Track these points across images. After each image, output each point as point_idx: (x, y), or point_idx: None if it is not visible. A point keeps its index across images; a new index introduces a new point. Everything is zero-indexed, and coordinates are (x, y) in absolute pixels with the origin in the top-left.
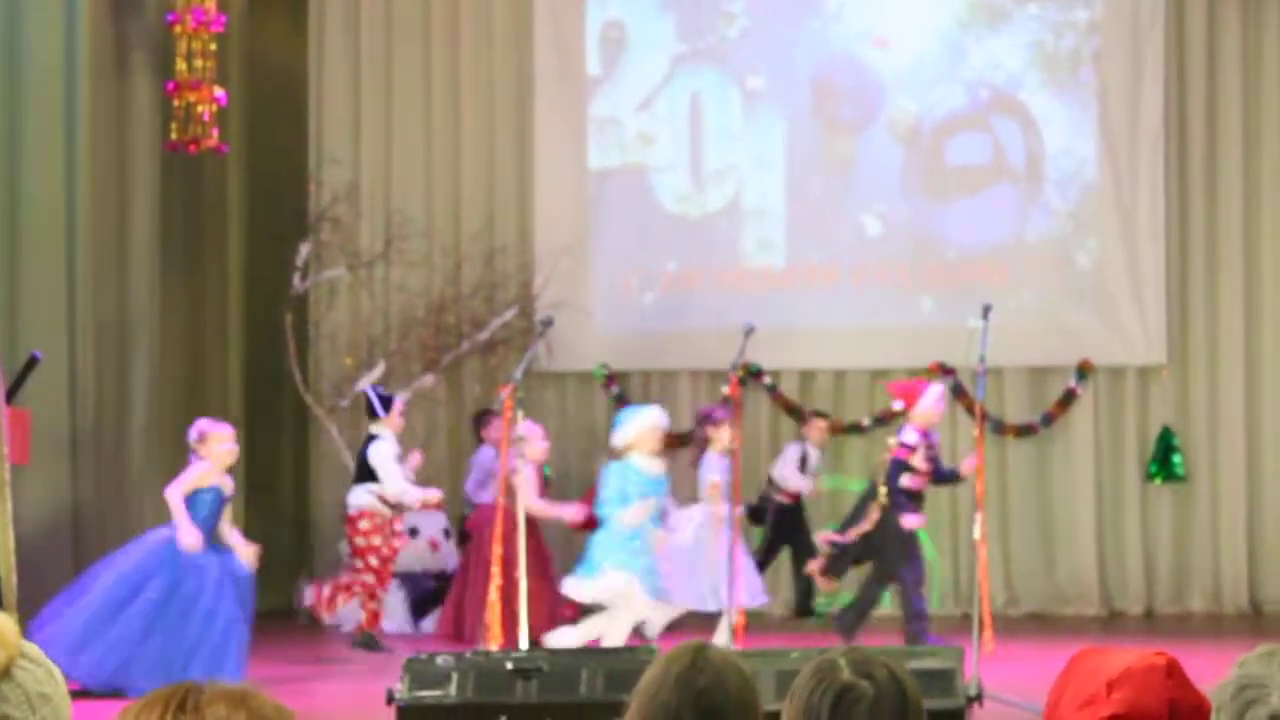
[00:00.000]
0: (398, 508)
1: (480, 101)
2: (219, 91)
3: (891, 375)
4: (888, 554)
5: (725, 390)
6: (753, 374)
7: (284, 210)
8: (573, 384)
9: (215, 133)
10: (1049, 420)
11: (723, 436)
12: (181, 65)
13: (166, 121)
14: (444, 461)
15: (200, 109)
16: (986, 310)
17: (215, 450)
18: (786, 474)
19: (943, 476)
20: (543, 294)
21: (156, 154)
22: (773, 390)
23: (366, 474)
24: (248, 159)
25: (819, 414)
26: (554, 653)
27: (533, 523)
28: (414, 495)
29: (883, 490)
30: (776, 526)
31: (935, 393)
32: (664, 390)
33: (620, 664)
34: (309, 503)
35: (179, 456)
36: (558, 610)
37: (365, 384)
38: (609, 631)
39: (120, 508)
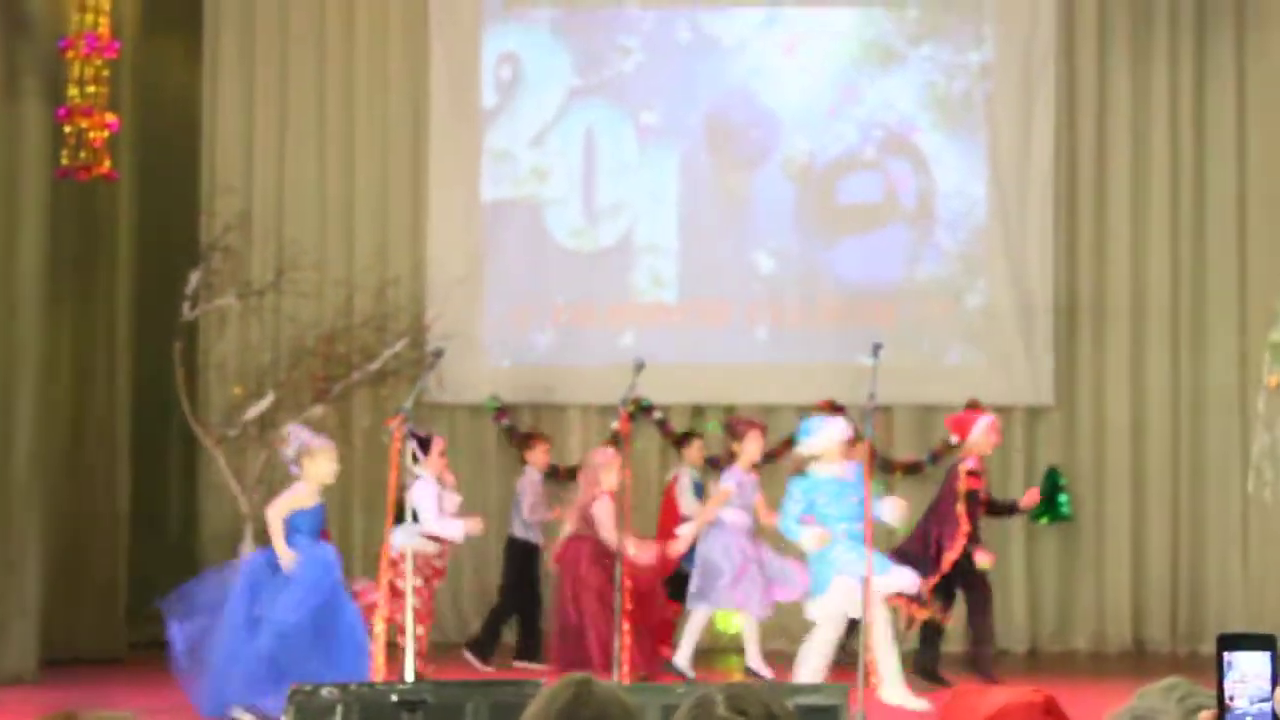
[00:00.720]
0: (438, 542)
1: (374, 132)
2: (111, 118)
3: (780, 411)
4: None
5: (615, 425)
6: (643, 409)
7: (175, 238)
8: (463, 416)
9: (107, 160)
10: (936, 458)
11: (748, 449)
12: (73, 91)
13: (57, 148)
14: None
15: (92, 135)
16: (877, 348)
17: (317, 470)
18: (684, 502)
19: (999, 509)
20: (434, 325)
21: (46, 180)
22: (663, 425)
23: (408, 515)
24: (139, 186)
25: (695, 434)
26: (439, 685)
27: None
28: (455, 528)
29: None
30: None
31: (985, 423)
32: (554, 424)
33: (505, 697)
34: (196, 532)
35: (62, 482)
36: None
37: (254, 413)
38: (827, 643)
39: (3, 532)
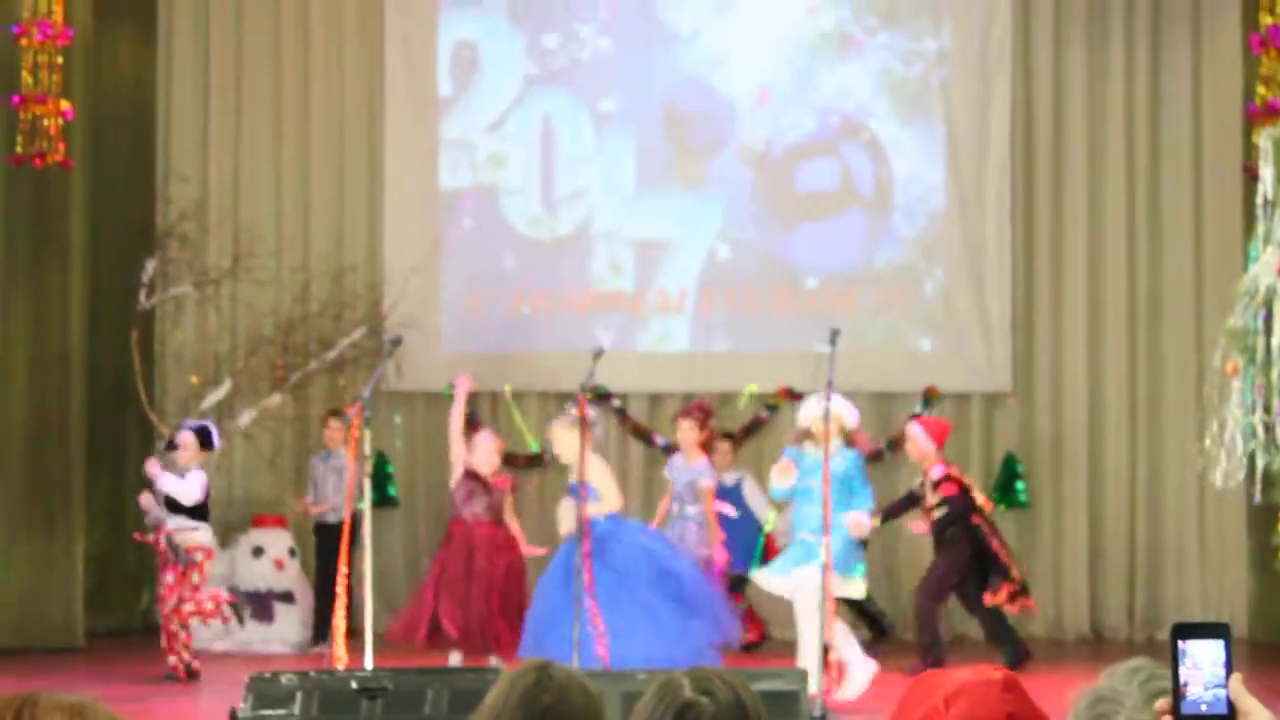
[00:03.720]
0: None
1: (331, 120)
2: (65, 106)
3: (735, 399)
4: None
5: (573, 412)
6: (601, 396)
7: (130, 226)
8: (421, 404)
9: (61, 147)
10: (894, 446)
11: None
12: (27, 79)
13: (11, 135)
14: (289, 479)
15: (46, 123)
16: (834, 335)
17: None
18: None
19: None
20: (392, 313)
21: (1, 168)
22: (621, 413)
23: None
24: (93, 174)
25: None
26: (399, 672)
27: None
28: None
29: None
30: None
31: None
32: (516, 411)
33: (465, 684)
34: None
35: (18, 470)
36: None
37: (211, 401)
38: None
39: None
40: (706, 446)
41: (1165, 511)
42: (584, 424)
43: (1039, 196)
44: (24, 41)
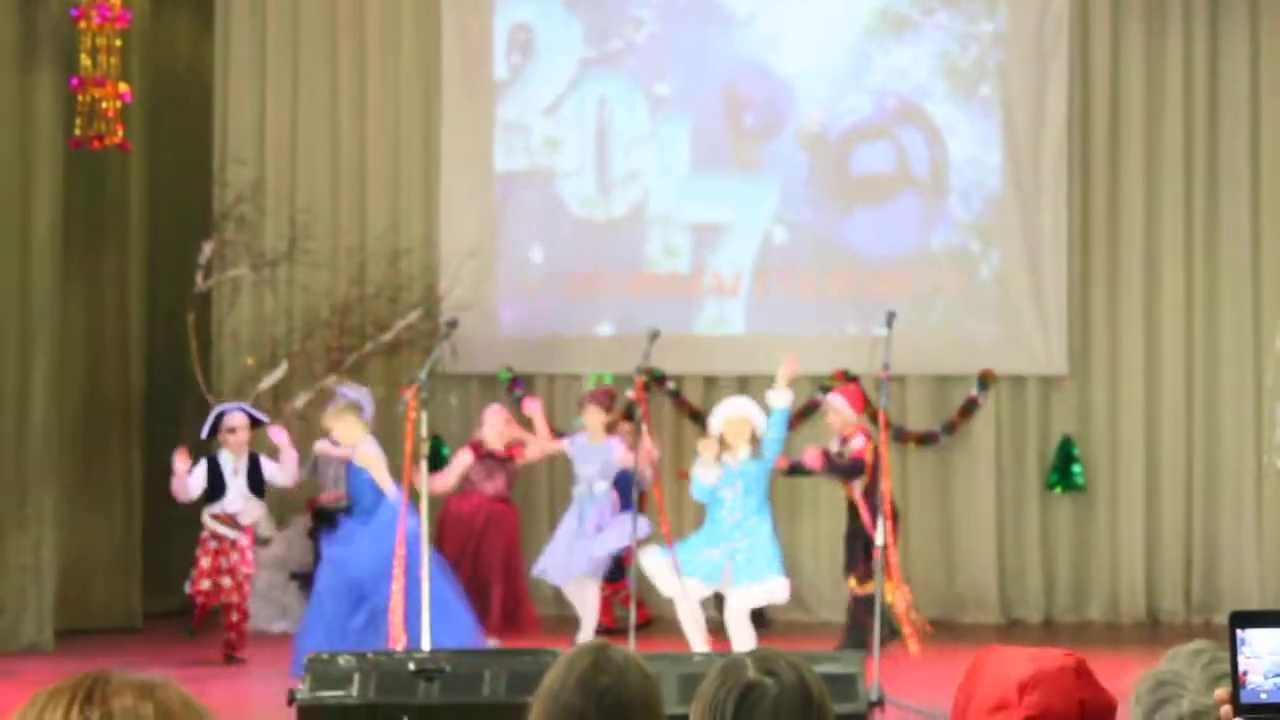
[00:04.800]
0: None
1: (386, 102)
2: (124, 88)
3: (795, 382)
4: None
5: (630, 395)
6: (656, 379)
7: (187, 208)
8: (476, 386)
9: (120, 130)
10: (950, 429)
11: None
12: (86, 61)
13: (70, 117)
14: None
15: (105, 105)
16: (890, 318)
17: None
18: None
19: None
20: (448, 296)
21: (60, 150)
22: (676, 396)
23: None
24: (151, 156)
25: None
26: (457, 654)
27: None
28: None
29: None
30: None
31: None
32: (568, 394)
33: (522, 665)
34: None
35: (77, 453)
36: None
37: (267, 384)
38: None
39: (19, 504)
40: (612, 428)
41: (1222, 495)
42: (642, 408)
43: (1095, 180)
44: (83, 24)
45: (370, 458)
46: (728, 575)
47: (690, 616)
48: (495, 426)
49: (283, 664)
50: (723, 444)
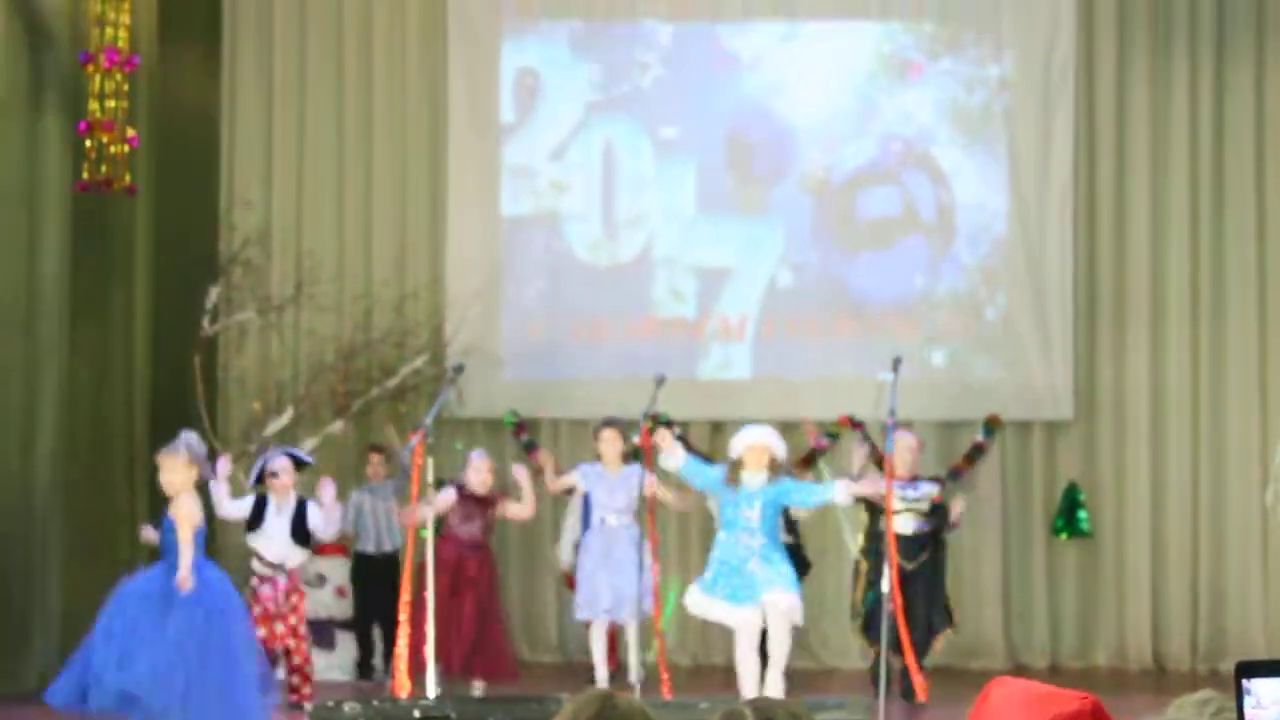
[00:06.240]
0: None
1: (393, 147)
2: (131, 133)
3: (800, 427)
4: None
5: (636, 440)
6: (663, 424)
7: (194, 252)
8: (482, 430)
9: (127, 174)
10: (956, 475)
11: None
12: (94, 105)
13: (77, 161)
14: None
15: (112, 149)
16: (896, 363)
17: None
18: None
19: None
20: (453, 340)
21: (66, 194)
22: (683, 440)
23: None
24: (158, 200)
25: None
26: (462, 701)
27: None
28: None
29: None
30: None
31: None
32: (574, 439)
33: (528, 713)
34: (214, 546)
35: (84, 501)
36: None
37: (273, 428)
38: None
39: (25, 545)
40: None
41: (1229, 539)
42: (647, 453)
43: (1101, 223)
44: (90, 68)
45: (183, 514)
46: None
47: (750, 649)
48: (480, 472)
49: (288, 712)
50: (741, 465)
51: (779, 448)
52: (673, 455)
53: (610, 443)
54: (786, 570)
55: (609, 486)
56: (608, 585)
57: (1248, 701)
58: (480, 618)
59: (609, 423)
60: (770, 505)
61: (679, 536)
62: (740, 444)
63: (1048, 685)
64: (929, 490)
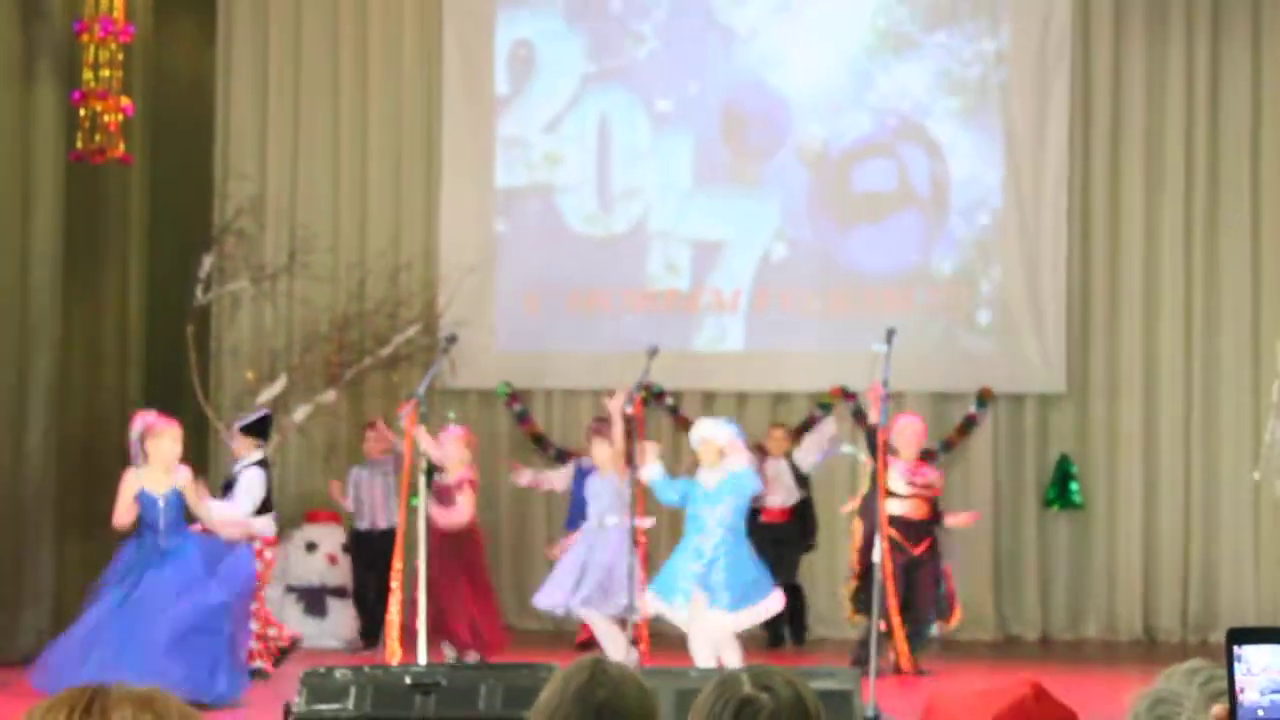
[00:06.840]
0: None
1: (388, 117)
2: (125, 102)
3: (793, 399)
4: None
5: (629, 411)
6: (655, 395)
7: (188, 222)
8: (475, 401)
9: (121, 144)
10: (948, 446)
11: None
12: (88, 75)
13: (71, 131)
14: (343, 475)
15: (106, 119)
16: (890, 335)
17: (160, 451)
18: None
19: None
20: (447, 311)
21: (60, 164)
22: (674, 412)
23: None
24: (152, 170)
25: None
26: (453, 668)
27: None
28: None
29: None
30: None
31: None
32: (566, 409)
33: (519, 680)
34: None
35: (76, 466)
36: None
37: (266, 397)
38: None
39: (17, 517)
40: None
41: (1220, 512)
42: (639, 425)
43: (1096, 198)
44: (85, 38)
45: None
46: (704, 591)
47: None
48: (450, 453)
49: (279, 678)
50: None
51: (721, 436)
52: (649, 470)
53: (599, 448)
54: (743, 578)
55: (600, 490)
56: (595, 582)
57: (1238, 668)
58: (473, 593)
59: (596, 430)
60: (732, 499)
61: (672, 535)
62: (694, 445)
63: (983, 684)
64: (933, 479)
